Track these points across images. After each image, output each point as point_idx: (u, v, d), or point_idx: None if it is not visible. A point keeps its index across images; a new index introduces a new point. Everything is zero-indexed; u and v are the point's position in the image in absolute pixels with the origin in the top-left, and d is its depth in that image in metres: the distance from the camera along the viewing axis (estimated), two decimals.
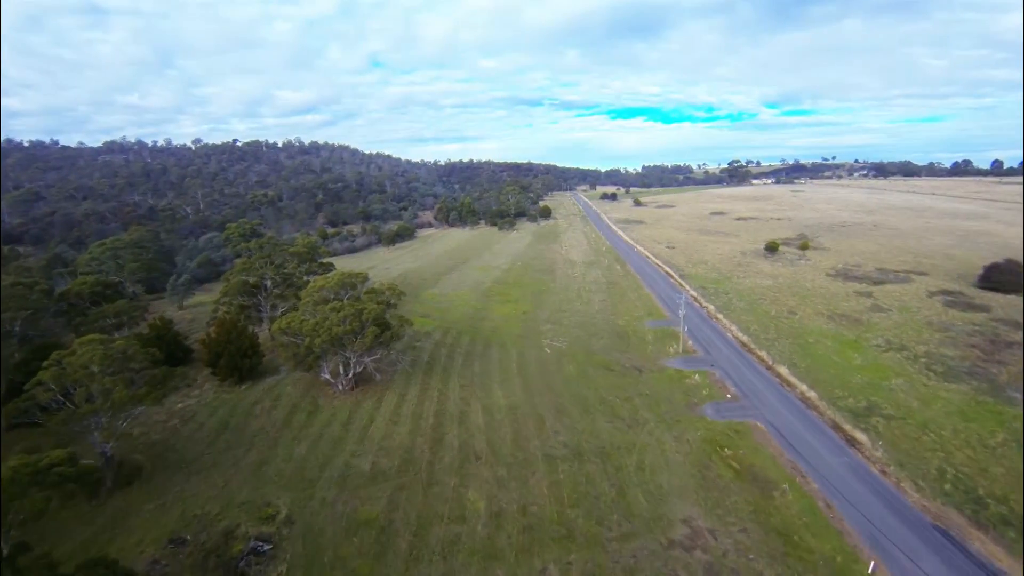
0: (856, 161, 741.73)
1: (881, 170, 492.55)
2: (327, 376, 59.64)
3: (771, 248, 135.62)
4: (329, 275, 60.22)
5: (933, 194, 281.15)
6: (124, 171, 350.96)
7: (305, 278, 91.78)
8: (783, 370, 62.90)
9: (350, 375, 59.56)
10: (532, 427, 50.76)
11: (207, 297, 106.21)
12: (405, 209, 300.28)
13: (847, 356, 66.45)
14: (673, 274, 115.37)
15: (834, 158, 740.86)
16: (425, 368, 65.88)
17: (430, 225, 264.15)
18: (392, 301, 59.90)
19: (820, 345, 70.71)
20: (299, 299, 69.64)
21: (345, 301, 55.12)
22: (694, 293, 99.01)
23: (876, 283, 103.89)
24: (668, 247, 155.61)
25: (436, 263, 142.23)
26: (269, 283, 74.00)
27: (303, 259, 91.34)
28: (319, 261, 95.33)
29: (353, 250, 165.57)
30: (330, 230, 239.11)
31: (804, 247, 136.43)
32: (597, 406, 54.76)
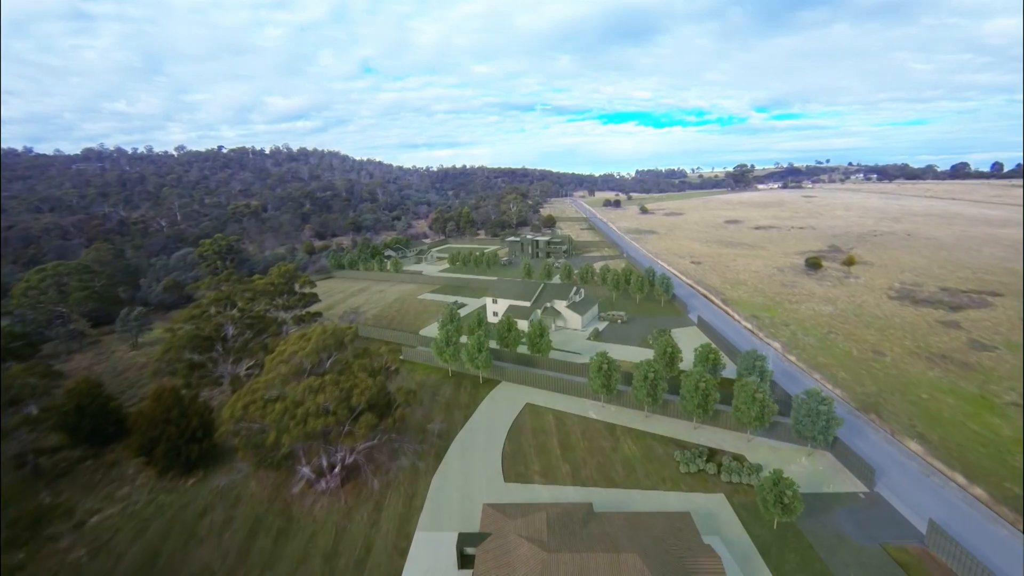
0: (850, 164, 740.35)
1: (884, 173, 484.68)
2: (305, 470, 43.14)
3: (813, 265, 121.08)
4: (308, 330, 43.81)
5: (952, 199, 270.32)
6: (98, 180, 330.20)
7: (282, 316, 75.15)
8: (913, 446, 47.50)
9: (336, 470, 43.14)
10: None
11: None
12: (398, 219, 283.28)
13: (987, 422, 51.17)
14: (714, 299, 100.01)
15: (828, 161, 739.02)
16: (437, 447, 49.52)
17: (425, 236, 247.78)
18: (393, 366, 43.53)
19: (940, 404, 55.43)
20: (268, 351, 53.19)
21: (327, 375, 38.64)
22: (748, 326, 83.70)
23: (953, 308, 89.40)
24: (693, 262, 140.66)
25: (438, 285, 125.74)
26: (232, 330, 57.25)
27: (279, 291, 74.73)
28: (299, 293, 78.69)
29: (341, 267, 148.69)
30: (318, 243, 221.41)
31: (850, 263, 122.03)
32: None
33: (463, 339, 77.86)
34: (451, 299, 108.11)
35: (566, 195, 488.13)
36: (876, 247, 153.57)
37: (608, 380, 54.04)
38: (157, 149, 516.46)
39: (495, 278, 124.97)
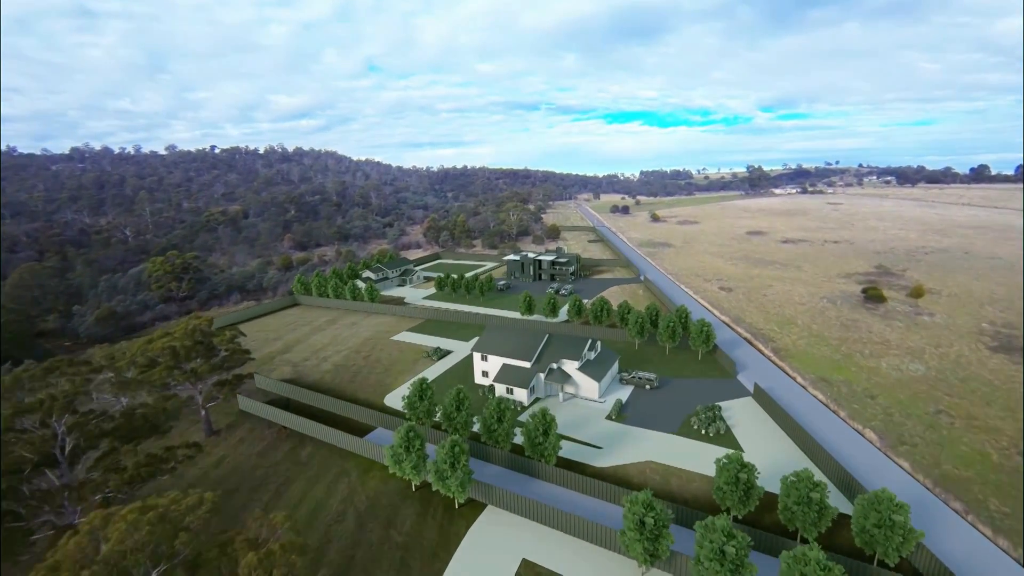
0: (860, 166, 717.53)
1: (902, 175, 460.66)
2: None
3: (874, 297, 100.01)
4: (119, 513, 23.36)
5: (993, 207, 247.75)
6: (73, 183, 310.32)
7: (188, 392, 54.72)
8: None
9: None
10: None
11: None
12: (390, 226, 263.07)
13: None
14: (762, 348, 79.11)
15: (837, 162, 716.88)
16: None
17: (418, 246, 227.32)
18: None
19: None
20: (131, 475, 33.03)
21: None
22: (820, 396, 62.84)
23: None
24: (722, 287, 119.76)
25: (419, 320, 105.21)
26: (67, 445, 36.88)
27: (186, 355, 54.35)
28: (218, 355, 58.21)
29: (309, 292, 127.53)
30: (297, 255, 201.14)
31: (918, 295, 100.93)
32: None
33: (437, 415, 57.33)
34: (432, 342, 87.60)
35: (570, 198, 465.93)
36: (934, 269, 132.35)
37: (656, 544, 33.48)
38: (160, 148, 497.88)
39: (488, 311, 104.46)
